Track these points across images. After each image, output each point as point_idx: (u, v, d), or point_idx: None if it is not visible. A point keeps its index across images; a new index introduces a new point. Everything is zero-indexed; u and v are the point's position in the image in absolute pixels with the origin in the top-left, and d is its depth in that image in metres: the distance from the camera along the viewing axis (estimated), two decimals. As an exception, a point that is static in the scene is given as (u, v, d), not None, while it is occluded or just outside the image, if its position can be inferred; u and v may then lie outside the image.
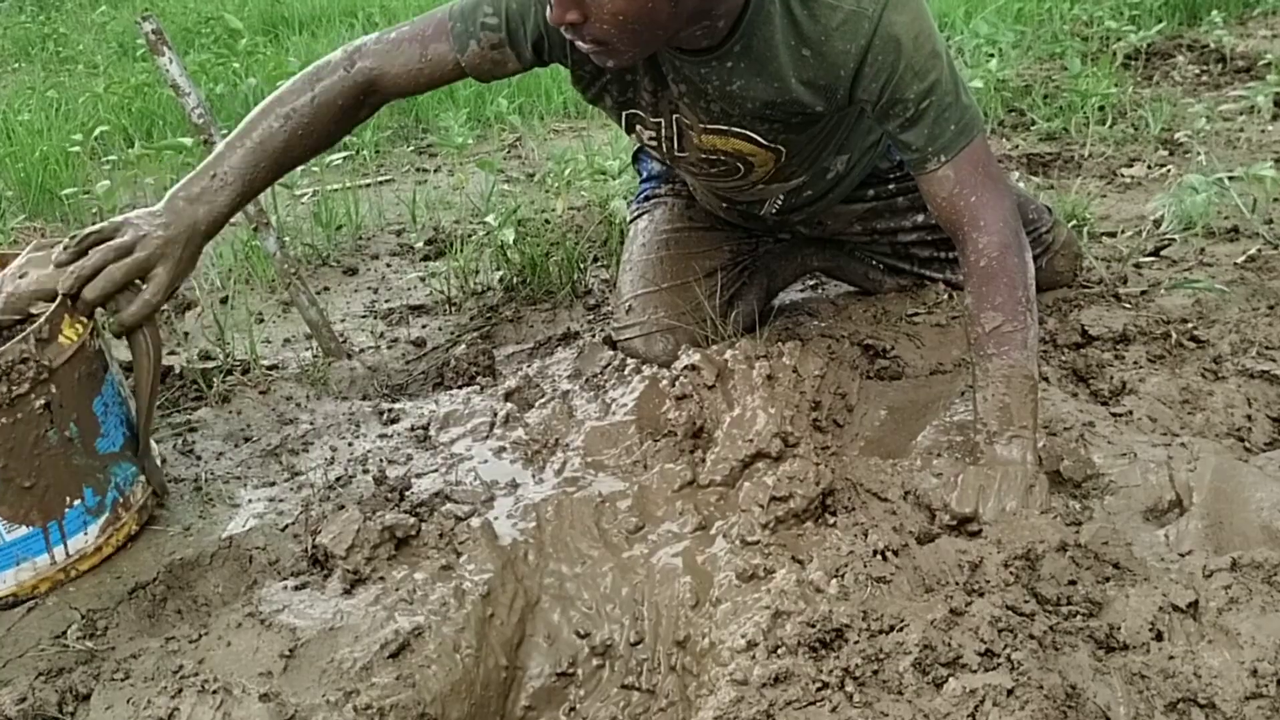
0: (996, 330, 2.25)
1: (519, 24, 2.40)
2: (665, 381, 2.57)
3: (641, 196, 3.23)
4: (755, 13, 2.27)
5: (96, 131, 5.83)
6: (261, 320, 3.72)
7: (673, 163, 2.83)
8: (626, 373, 2.71)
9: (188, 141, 4.95)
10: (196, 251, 2.38)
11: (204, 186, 2.39)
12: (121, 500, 2.39)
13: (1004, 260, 2.29)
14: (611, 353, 2.94)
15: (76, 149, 5.43)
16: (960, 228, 2.34)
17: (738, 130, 2.53)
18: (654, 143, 2.69)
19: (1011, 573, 1.93)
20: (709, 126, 2.54)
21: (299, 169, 4.76)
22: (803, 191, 2.81)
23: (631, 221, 3.21)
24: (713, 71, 2.38)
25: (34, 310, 2.35)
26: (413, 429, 2.78)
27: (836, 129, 2.66)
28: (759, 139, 2.54)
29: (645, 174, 3.25)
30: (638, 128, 2.66)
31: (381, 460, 2.63)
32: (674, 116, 2.57)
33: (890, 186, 2.97)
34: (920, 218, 2.99)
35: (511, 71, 2.51)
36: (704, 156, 2.66)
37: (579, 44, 2.18)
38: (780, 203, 2.86)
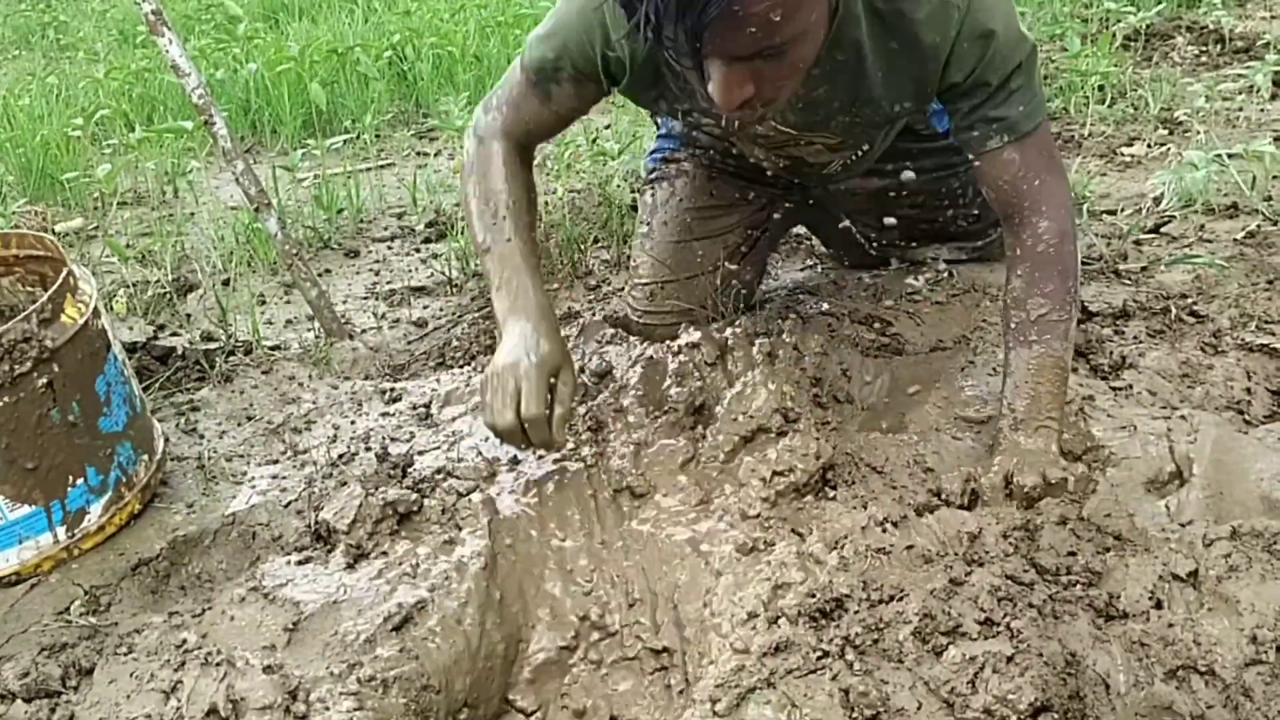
0: (1043, 318, 2.22)
1: (581, 56, 2.33)
2: (667, 359, 2.58)
3: (659, 156, 3.11)
4: (844, 18, 2.12)
5: (97, 116, 5.83)
6: (263, 302, 3.73)
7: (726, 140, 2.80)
8: (627, 350, 2.71)
9: (188, 125, 4.96)
10: (554, 328, 2.31)
11: (504, 298, 2.34)
12: (125, 479, 2.40)
13: (1061, 248, 2.25)
14: (612, 331, 2.94)
15: (77, 134, 5.44)
16: (1020, 211, 2.28)
17: (819, 134, 2.49)
18: (714, 130, 2.66)
19: (1011, 543, 1.93)
20: (780, 128, 2.48)
21: (298, 153, 4.80)
22: (862, 161, 2.77)
23: (649, 183, 3.10)
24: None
25: None
26: (415, 407, 2.78)
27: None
28: (829, 140, 2.51)
29: (665, 130, 3.12)
30: (692, 118, 2.59)
31: (384, 438, 2.63)
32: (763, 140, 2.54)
33: (907, 169, 2.93)
34: (906, 210, 2.99)
35: (601, 96, 2.46)
36: (773, 142, 2.60)
37: (742, 119, 2.16)
38: (839, 169, 2.79)
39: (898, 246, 3.14)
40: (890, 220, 3.03)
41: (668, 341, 2.64)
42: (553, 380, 2.24)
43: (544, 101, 2.41)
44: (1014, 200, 2.29)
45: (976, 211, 2.98)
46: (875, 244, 3.12)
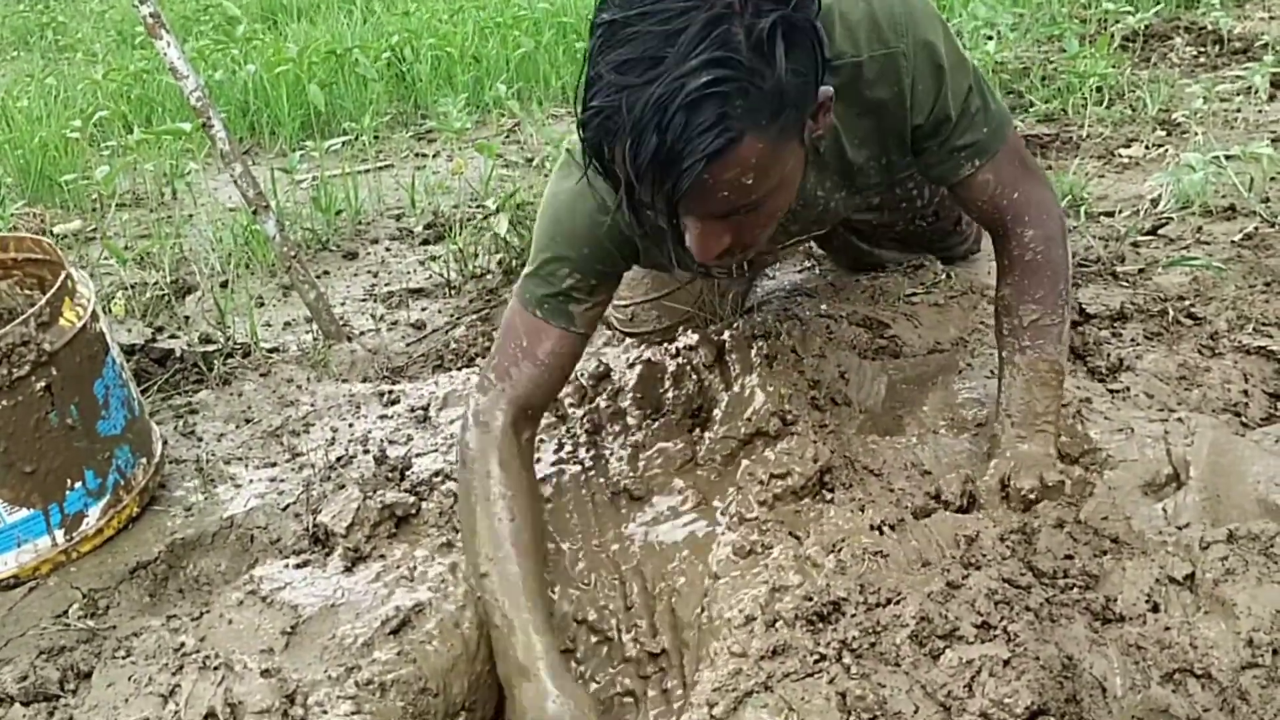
0: (1035, 323, 2.21)
1: (595, 261, 2.23)
2: (664, 361, 2.58)
3: None
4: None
5: (95, 118, 5.84)
6: (262, 304, 3.73)
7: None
8: (624, 352, 2.71)
9: (186, 127, 4.96)
10: (567, 683, 1.95)
11: (509, 645, 2.00)
12: (123, 482, 2.40)
13: (1049, 253, 2.24)
14: (610, 333, 2.95)
15: (76, 135, 5.44)
16: (1003, 225, 2.27)
17: (814, 233, 2.51)
18: (725, 273, 2.63)
19: (1008, 546, 1.93)
20: (784, 244, 2.50)
21: (296, 155, 4.80)
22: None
23: None
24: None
25: None
26: (413, 410, 2.79)
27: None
28: (824, 229, 2.53)
29: None
30: (710, 270, 2.50)
31: (382, 440, 2.64)
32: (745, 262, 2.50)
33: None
34: (897, 218, 2.98)
35: (617, 286, 2.36)
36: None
37: (719, 266, 2.08)
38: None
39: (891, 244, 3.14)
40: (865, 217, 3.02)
41: (665, 344, 2.65)
42: None
43: (567, 328, 2.25)
44: (996, 216, 2.28)
45: (934, 210, 2.99)
46: (870, 244, 3.14)
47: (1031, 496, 2.04)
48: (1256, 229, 3.26)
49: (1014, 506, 2.05)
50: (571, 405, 2.61)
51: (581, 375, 2.65)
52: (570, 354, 2.29)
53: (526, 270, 2.28)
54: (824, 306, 2.94)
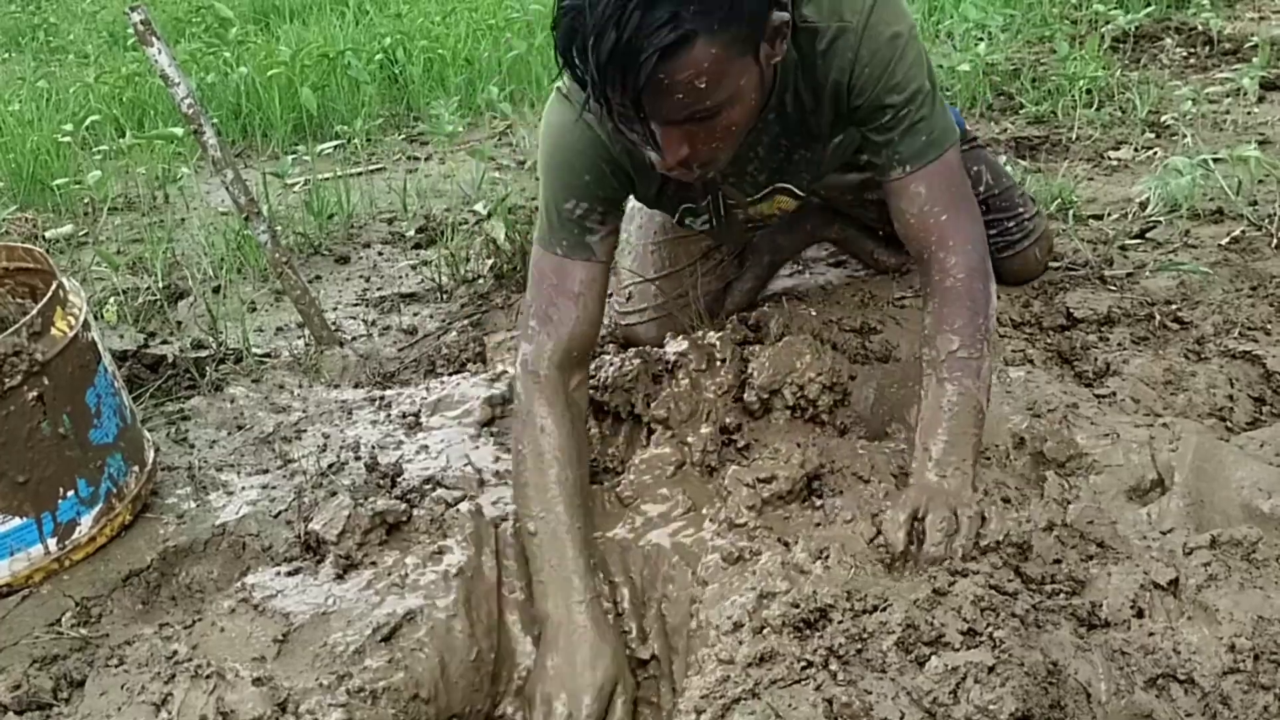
0: (952, 354, 2.18)
1: (597, 187, 2.37)
2: (655, 366, 2.59)
3: None
4: (782, 73, 2.23)
5: (87, 121, 5.84)
6: (254, 309, 3.74)
7: (718, 235, 2.89)
8: (616, 358, 2.72)
9: (178, 131, 4.97)
10: (607, 631, 2.06)
11: (550, 593, 2.10)
12: (115, 491, 2.41)
13: (970, 284, 2.22)
14: (600, 339, 2.96)
15: (67, 139, 5.46)
16: (928, 246, 2.27)
17: (780, 186, 2.55)
18: (705, 226, 2.69)
19: (1000, 556, 1.94)
20: (754, 196, 2.57)
21: (288, 158, 4.81)
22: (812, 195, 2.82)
23: None
24: (754, 137, 2.35)
25: None
26: (404, 416, 2.80)
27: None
28: (797, 189, 2.57)
29: None
30: (688, 220, 2.66)
31: (373, 447, 2.66)
32: (720, 197, 2.58)
33: None
34: None
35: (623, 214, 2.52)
36: (748, 225, 2.73)
37: (680, 176, 2.15)
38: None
39: None
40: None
41: (655, 349, 2.66)
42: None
43: (589, 258, 2.38)
44: (921, 235, 2.28)
45: None
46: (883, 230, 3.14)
47: (939, 535, 1.95)
48: (1243, 232, 3.29)
49: (922, 543, 1.97)
50: None
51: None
52: (600, 283, 2.40)
53: (540, 217, 2.42)
54: (814, 311, 2.95)
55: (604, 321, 2.56)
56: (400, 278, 3.95)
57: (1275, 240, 3.24)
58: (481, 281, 3.75)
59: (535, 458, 2.24)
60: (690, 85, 1.89)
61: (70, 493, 2.32)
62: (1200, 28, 5.71)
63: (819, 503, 2.17)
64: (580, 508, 2.21)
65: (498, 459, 2.50)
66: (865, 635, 1.77)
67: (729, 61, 1.92)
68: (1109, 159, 4.17)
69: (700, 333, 2.68)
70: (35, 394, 2.23)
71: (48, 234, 4.51)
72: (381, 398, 2.92)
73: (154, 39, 2.98)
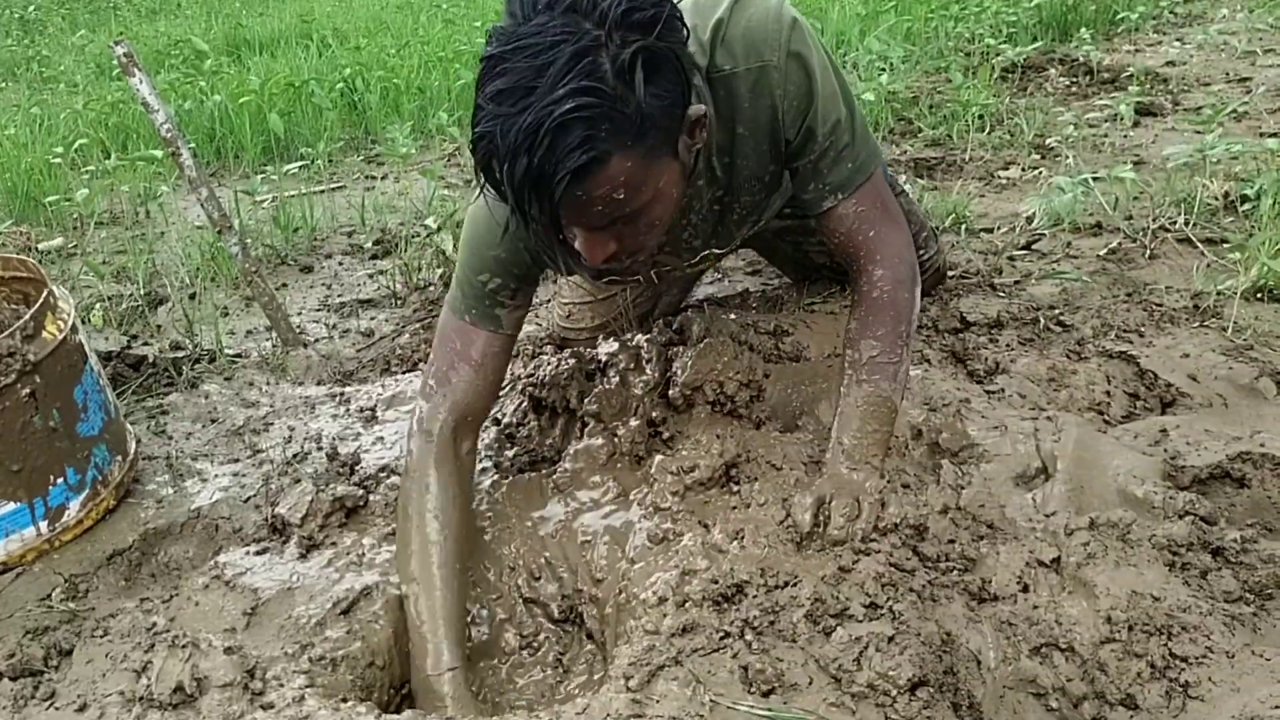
0: (873, 359, 2.13)
1: (512, 264, 2.19)
2: (589, 366, 2.60)
3: None
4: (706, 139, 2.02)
5: (76, 144, 5.76)
6: (226, 314, 3.70)
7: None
8: (553, 358, 2.72)
9: (158, 153, 4.91)
10: (464, 687, 1.93)
11: (422, 654, 1.97)
12: (101, 478, 2.39)
13: (895, 295, 2.16)
14: (539, 339, 2.96)
15: (58, 160, 5.39)
16: (857, 260, 2.19)
17: (716, 252, 2.45)
18: (638, 288, 2.57)
19: (899, 537, 1.93)
20: (690, 261, 2.45)
21: (258, 178, 4.75)
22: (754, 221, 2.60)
23: None
24: (685, 206, 2.22)
25: None
26: (362, 410, 2.78)
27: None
28: (729, 249, 2.48)
29: None
30: (617, 287, 2.50)
31: (334, 438, 2.64)
32: (652, 270, 2.47)
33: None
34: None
35: (536, 289, 2.31)
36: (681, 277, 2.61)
37: (610, 269, 2.02)
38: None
39: (829, 266, 3.03)
40: (810, 248, 2.97)
41: (588, 350, 2.66)
42: None
43: (495, 329, 2.21)
44: (851, 251, 2.20)
45: None
46: (808, 269, 3.09)
47: (841, 519, 1.96)
48: (1120, 244, 3.34)
49: (824, 529, 1.98)
50: (504, 406, 2.62)
51: (514, 379, 2.66)
52: (501, 353, 2.25)
53: (454, 281, 2.25)
54: (732, 316, 2.96)
55: (503, 383, 2.41)
56: (359, 285, 3.92)
57: (1148, 251, 3.28)
58: (432, 289, 3.73)
59: (419, 517, 2.10)
60: (608, 198, 1.75)
61: (60, 480, 2.30)
62: (1081, 59, 5.76)
63: (736, 489, 2.16)
64: (457, 573, 2.06)
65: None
66: (777, 608, 1.78)
67: (646, 169, 1.78)
68: (999, 178, 4.20)
69: (629, 335, 2.69)
70: (28, 391, 2.20)
71: (40, 246, 4.45)
72: (341, 394, 2.90)
73: (136, 70, 2.94)
